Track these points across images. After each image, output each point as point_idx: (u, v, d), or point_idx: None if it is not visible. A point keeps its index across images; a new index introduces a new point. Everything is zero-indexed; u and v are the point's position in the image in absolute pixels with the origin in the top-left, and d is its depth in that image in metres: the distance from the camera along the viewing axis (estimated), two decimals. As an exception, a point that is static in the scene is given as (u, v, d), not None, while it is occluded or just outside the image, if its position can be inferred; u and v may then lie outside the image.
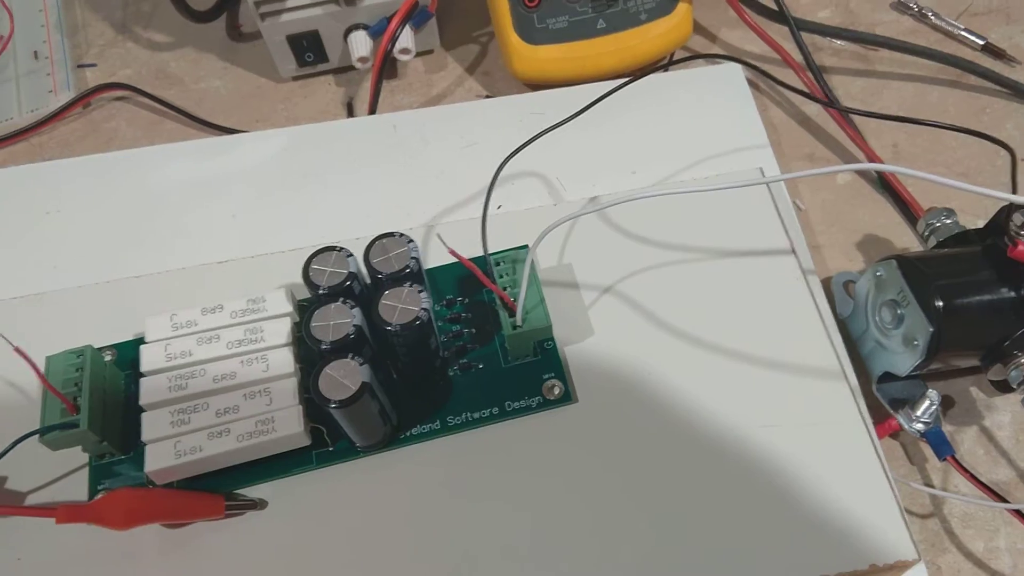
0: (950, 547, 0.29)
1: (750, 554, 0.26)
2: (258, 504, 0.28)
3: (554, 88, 0.39)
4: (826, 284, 0.34)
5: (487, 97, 0.43)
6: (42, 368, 0.27)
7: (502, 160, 0.33)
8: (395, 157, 0.37)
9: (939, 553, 0.29)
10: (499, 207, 0.35)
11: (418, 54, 0.44)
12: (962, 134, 0.38)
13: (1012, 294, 0.28)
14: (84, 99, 0.43)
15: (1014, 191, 0.34)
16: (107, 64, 0.46)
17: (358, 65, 0.41)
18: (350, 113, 0.43)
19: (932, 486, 0.31)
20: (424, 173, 0.37)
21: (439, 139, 0.38)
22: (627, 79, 0.34)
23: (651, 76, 0.39)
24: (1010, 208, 0.30)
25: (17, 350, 0.26)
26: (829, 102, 0.39)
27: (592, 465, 0.28)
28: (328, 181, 0.36)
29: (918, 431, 0.30)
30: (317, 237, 0.34)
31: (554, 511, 0.27)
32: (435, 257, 0.33)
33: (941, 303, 0.28)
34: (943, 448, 0.30)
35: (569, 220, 0.32)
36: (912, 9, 0.43)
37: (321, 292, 0.27)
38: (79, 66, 0.46)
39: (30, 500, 0.28)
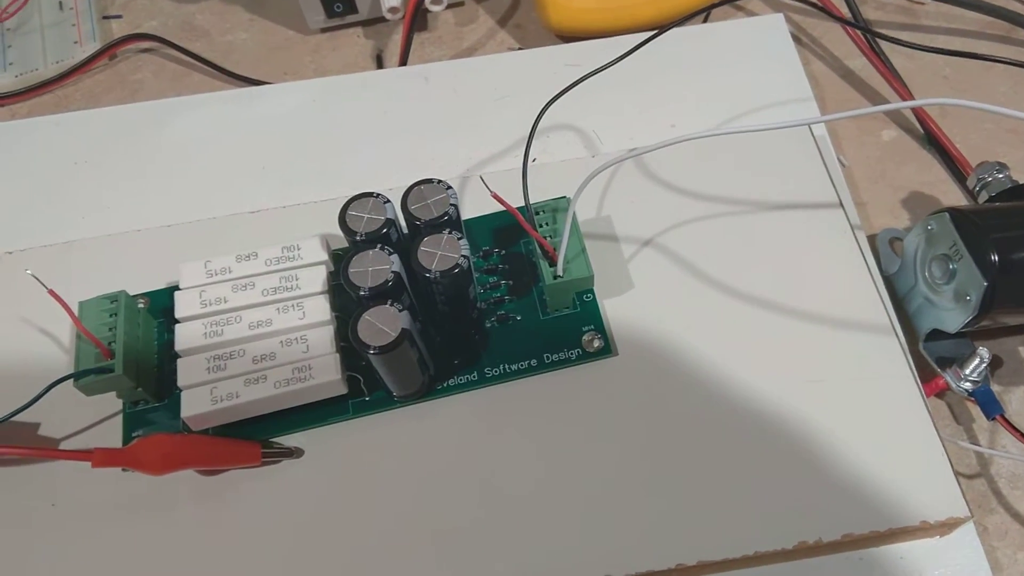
0: (997, 507, 0.29)
1: (797, 510, 0.26)
2: (294, 452, 0.27)
3: (588, 40, 0.38)
4: (871, 241, 0.34)
5: (520, 49, 0.42)
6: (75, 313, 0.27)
7: (535, 111, 0.32)
8: (427, 109, 0.36)
9: (986, 513, 0.29)
10: (534, 160, 0.34)
11: (448, 6, 0.43)
12: (1011, 89, 0.37)
13: (1070, 249, 0.27)
14: (110, 50, 0.43)
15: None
16: (132, 16, 0.45)
17: (388, 16, 0.40)
18: (379, 65, 0.42)
19: (980, 446, 0.30)
20: (456, 125, 0.36)
21: (471, 91, 0.37)
22: (664, 27, 0.33)
23: (690, 27, 0.38)
24: (1069, 160, 0.29)
25: (51, 293, 0.26)
26: (872, 33, 0.38)
27: (633, 418, 0.28)
28: (359, 133, 0.36)
29: (966, 390, 0.29)
30: (348, 188, 0.32)
31: (593, 464, 0.27)
32: (470, 208, 0.32)
33: (996, 257, 0.27)
34: (992, 407, 0.29)
35: (609, 168, 0.31)
36: (960, -39, 0.42)
37: (358, 238, 0.27)
38: (104, 17, 0.45)
39: (63, 446, 0.28)
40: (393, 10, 0.40)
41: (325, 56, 0.43)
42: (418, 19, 0.43)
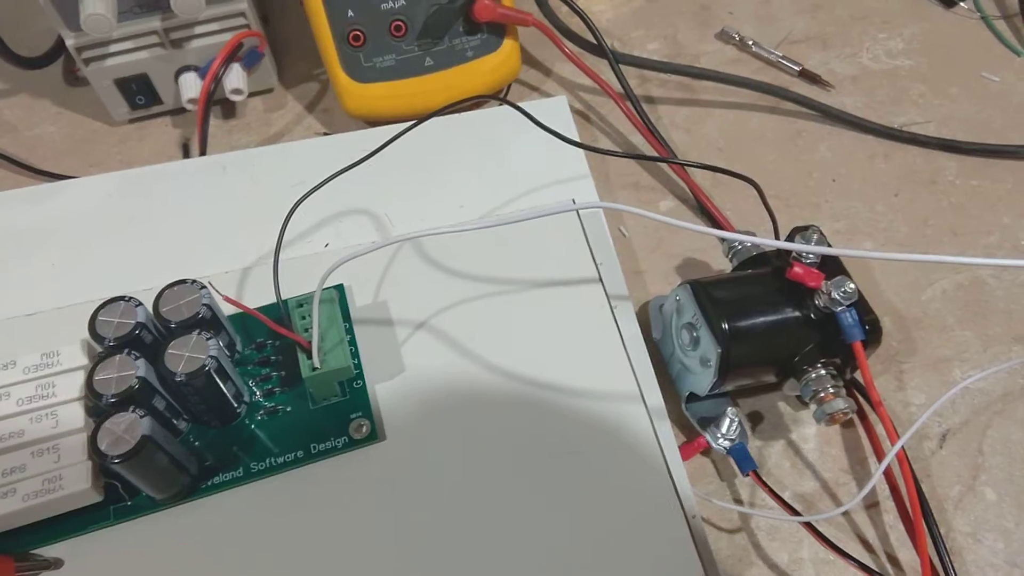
0: (756, 560, 0.30)
1: (547, 582, 0.27)
2: (52, 564, 0.27)
3: (391, 124, 0.40)
4: (644, 309, 0.36)
5: (326, 134, 0.43)
6: None
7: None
8: (222, 199, 0.37)
9: (746, 567, 0.30)
10: (326, 245, 0.35)
11: (257, 93, 0.44)
12: (779, 157, 0.40)
13: (796, 313, 0.30)
14: (-92, 150, 0.42)
15: (773, 220, 0.36)
16: (-64, 113, 0.44)
17: (188, 106, 0.41)
18: (186, 154, 0.42)
19: (741, 501, 0.32)
20: (252, 215, 0.36)
21: (269, 178, 0.38)
22: (419, 119, 0.35)
23: (484, 110, 0.40)
24: (794, 231, 0.31)
25: None
26: (650, 152, 0.40)
27: (398, 501, 0.28)
28: (153, 226, 0.36)
29: (724, 448, 0.31)
30: (134, 284, 0.33)
31: (362, 550, 0.27)
32: (250, 299, 0.32)
33: (726, 325, 0.29)
34: (746, 463, 0.31)
35: (388, 252, 0.33)
36: (735, 39, 0.45)
37: (109, 344, 0.27)
38: (-94, 116, 0.44)
39: None
40: (192, 101, 0.40)
41: (132, 147, 0.43)
42: (225, 107, 0.44)
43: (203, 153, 0.40)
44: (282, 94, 0.45)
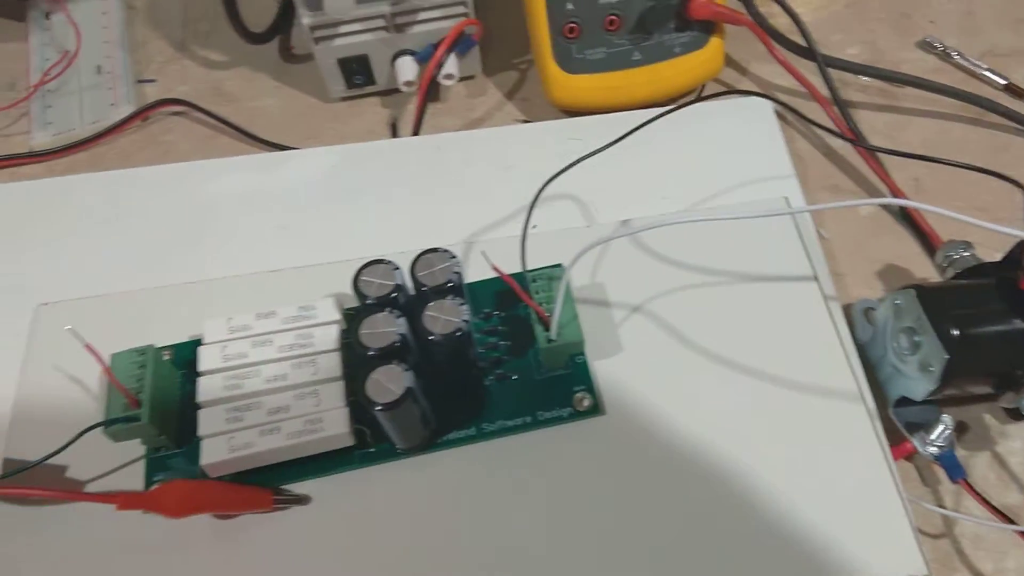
0: (960, 567, 0.31)
1: (768, 568, 0.28)
2: (303, 499, 0.30)
3: (589, 115, 0.41)
4: (847, 311, 0.36)
5: (525, 122, 0.45)
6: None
7: (539, 182, 0.35)
8: (438, 177, 0.39)
9: (950, 572, 0.30)
10: (534, 227, 0.37)
11: (460, 79, 0.46)
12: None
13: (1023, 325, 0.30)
14: (143, 113, 0.46)
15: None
16: (166, 80, 0.48)
17: (404, 88, 0.43)
18: (394, 133, 0.45)
19: (945, 508, 0.32)
20: (464, 193, 0.38)
21: (479, 161, 0.40)
22: (664, 110, 0.36)
23: (684, 105, 0.41)
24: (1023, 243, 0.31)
25: (88, 348, 0.28)
26: (854, 139, 0.41)
27: (618, 475, 0.30)
28: (374, 197, 0.38)
29: (932, 454, 0.31)
30: (361, 250, 0.35)
31: (580, 518, 0.29)
32: (473, 272, 0.34)
33: (957, 332, 0.29)
34: (955, 471, 0.31)
35: (602, 243, 0.34)
36: (937, 48, 0.45)
37: (369, 302, 0.29)
38: (139, 81, 0.48)
39: (89, 488, 0.30)
40: (408, 83, 0.43)
41: (345, 123, 0.46)
42: (431, 91, 0.46)
43: (416, 133, 0.42)
44: (483, 81, 0.47)
